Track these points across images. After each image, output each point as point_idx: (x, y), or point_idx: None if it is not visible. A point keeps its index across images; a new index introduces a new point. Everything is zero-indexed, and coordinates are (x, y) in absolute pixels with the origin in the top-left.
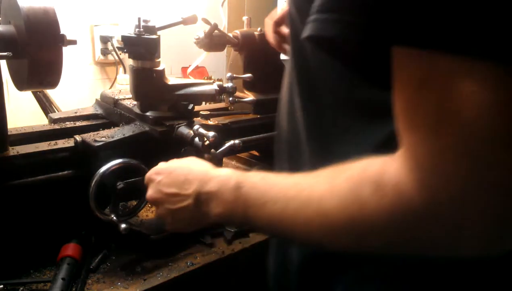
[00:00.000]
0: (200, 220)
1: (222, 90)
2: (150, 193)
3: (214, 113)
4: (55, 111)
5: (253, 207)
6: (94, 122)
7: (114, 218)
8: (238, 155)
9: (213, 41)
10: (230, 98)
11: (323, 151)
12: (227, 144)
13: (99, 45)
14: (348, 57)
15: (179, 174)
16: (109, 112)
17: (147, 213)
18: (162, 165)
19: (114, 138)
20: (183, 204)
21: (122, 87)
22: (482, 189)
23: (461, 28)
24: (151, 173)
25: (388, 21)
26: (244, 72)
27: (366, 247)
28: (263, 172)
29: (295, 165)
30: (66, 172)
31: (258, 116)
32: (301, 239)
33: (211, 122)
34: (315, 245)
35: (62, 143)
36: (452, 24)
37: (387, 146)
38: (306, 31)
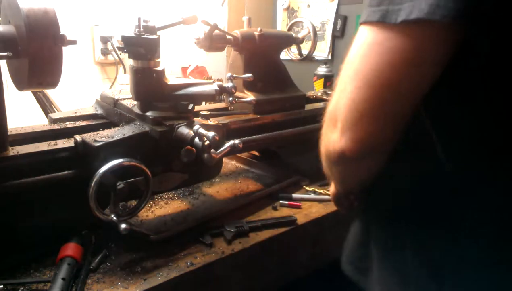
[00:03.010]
0: None
1: (222, 90)
2: None
3: (214, 113)
4: (55, 111)
5: None
6: (94, 122)
7: (114, 218)
8: (238, 155)
9: (213, 41)
10: (230, 98)
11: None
12: (227, 144)
13: (99, 45)
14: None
15: None
16: (109, 112)
17: (147, 213)
18: None
19: (114, 138)
20: None
21: (122, 87)
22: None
23: None
24: None
25: None
26: (244, 72)
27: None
28: None
29: None
30: (66, 172)
31: (258, 116)
32: None
33: (211, 122)
34: None
35: (62, 143)
36: None
37: None
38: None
